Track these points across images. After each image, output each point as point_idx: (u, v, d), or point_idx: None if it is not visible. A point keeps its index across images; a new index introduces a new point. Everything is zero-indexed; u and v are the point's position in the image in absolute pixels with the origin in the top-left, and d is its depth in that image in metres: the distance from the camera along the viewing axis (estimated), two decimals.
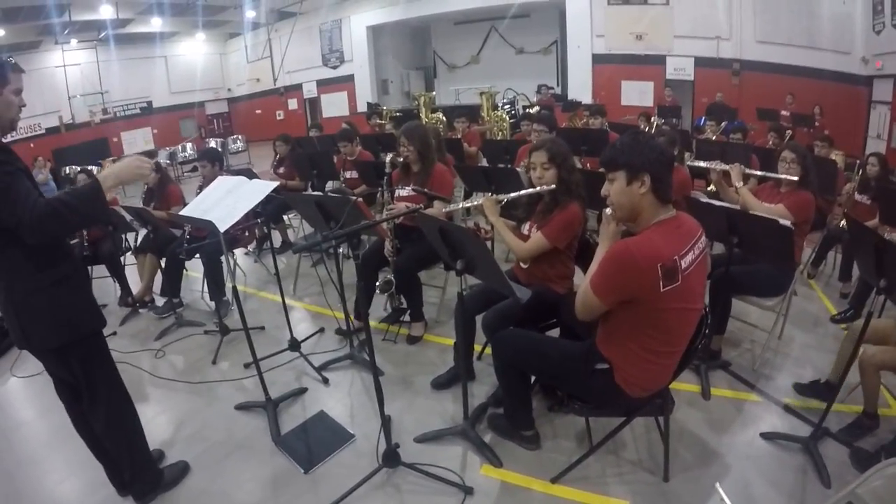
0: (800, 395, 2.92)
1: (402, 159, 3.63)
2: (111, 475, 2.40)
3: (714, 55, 11.51)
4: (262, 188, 2.74)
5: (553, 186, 2.71)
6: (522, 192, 2.82)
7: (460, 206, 3.04)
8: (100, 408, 2.20)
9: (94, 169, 8.26)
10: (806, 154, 3.33)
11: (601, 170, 2.05)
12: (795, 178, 3.23)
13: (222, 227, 2.56)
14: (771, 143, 6.08)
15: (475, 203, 2.93)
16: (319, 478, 2.50)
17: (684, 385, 3.01)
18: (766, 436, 2.60)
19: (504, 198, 2.86)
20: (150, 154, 12.06)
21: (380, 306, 4.08)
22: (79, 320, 2.08)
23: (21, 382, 3.58)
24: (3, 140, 1.89)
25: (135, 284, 4.74)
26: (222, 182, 2.89)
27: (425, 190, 3.43)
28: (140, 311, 4.59)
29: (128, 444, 2.33)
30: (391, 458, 2.43)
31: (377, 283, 3.47)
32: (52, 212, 1.79)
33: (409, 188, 3.59)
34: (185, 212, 2.87)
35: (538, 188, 2.74)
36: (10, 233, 1.81)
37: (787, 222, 2.78)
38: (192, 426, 2.97)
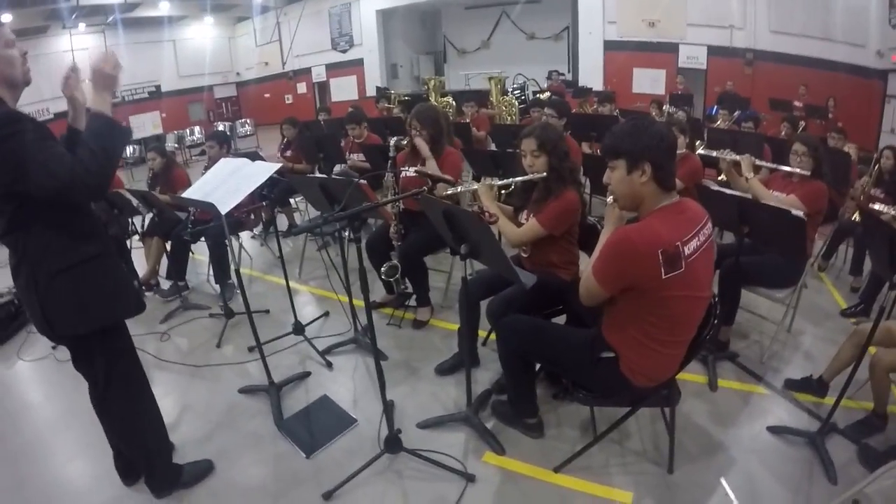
0: (788, 391, 2.88)
1: (405, 142, 3.58)
2: (118, 463, 2.33)
3: (727, 44, 11.30)
4: (264, 170, 2.72)
5: (544, 174, 2.65)
6: (515, 179, 2.76)
7: (459, 189, 2.99)
8: (114, 403, 2.09)
9: None
10: (818, 146, 3.26)
11: None
12: (808, 173, 3.17)
13: (224, 209, 2.54)
14: (784, 133, 5.98)
15: (471, 188, 2.88)
16: (321, 463, 2.50)
17: (691, 376, 2.97)
18: (772, 429, 2.57)
19: (497, 183, 2.81)
20: (159, 138, 12.07)
21: (380, 288, 4.00)
22: (107, 306, 1.94)
23: (28, 366, 3.59)
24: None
25: (141, 267, 4.74)
26: (225, 164, 2.87)
27: (429, 172, 3.37)
28: (146, 293, 4.58)
29: (141, 444, 2.20)
30: (393, 443, 2.42)
31: (382, 269, 3.44)
32: (87, 168, 1.65)
33: (416, 168, 3.53)
34: (187, 194, 2.83)
35: (530, 175, 2.68)
36: (39, 208, 1.73)
37: (799, 213, 2.73)
38: (195, 409, 2.97)
